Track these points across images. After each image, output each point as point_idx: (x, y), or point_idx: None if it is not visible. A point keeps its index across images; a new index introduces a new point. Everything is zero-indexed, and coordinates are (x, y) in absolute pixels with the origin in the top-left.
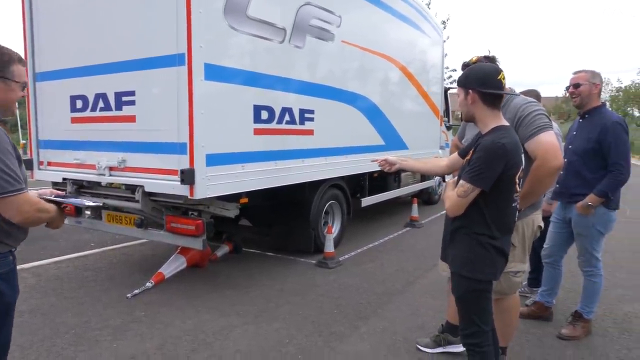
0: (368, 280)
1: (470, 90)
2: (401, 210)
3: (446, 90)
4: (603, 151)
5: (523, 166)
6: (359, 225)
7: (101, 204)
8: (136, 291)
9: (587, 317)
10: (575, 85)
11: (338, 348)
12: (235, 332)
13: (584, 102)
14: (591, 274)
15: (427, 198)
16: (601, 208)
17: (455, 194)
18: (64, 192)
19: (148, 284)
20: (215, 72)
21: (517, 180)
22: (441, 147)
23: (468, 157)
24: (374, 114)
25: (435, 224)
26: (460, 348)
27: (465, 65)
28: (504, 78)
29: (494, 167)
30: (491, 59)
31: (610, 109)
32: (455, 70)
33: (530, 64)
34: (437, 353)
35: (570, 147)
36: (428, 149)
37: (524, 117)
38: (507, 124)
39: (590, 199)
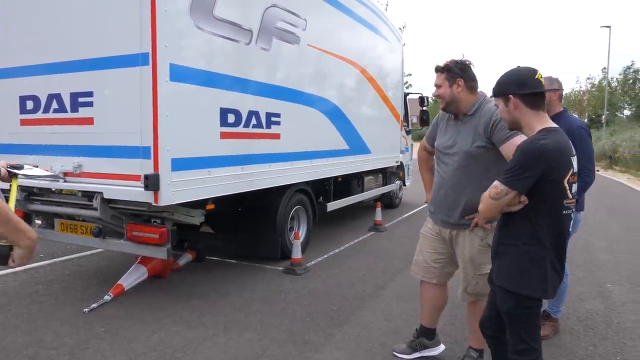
0: (338, 286)
1: (510, 96)
2: (363, 215)
3: (406, 95)
4: None
5: (574, 170)
6: (323, 230)
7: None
8: (94, 305)
9: (555, 317)
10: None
11: (314, 358)
12: (205, 345)
13: (545, 109)
14: None
15: (389, 202)
16: None
17: (487, 196)
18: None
19: (107, 297)
20: (180, 73)
21: (566, 186)
22: (402, 152)
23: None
24: (338, 118)
25: (398, 227)
26: (436, 351)
27: (436, 69)
28: (541, 77)
29: (530, 168)
30: (463, 63)
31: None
32: (411, 75)
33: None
34: (414, 359)
35: None
36: (389, 153)
37: (499, 120)
38: (555, 125)
39: None
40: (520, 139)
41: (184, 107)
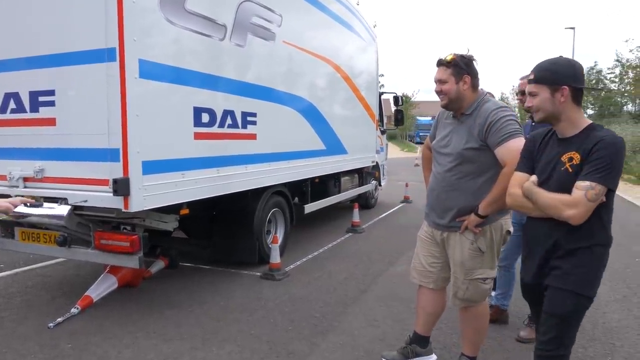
0: (318, 291)
1: (565, 87)
2: (340, 216)
3: (380, 94)
4: None
5: None
6: (300, 232)
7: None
8: (60, 319)
9: (530, 312)
10: (523, 93)
11: None
12: None
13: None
14: None
15: (365, 202)
16: None
17: (584, 198)
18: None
19: (73, 310)
20: (151, 70)
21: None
22: (377, 152)
23: (574, 161)
24: (315, 117)
25: (376, 228)
26: (429, 359)
27: (440, 63)
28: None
29: (621, 163)
30: (469, 59)
31: None
32: (383, 75)
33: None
34: None
35: None
36: (365, 153)
37: (494, 122)
38: None
39: None
40: (516, 142)
41: (155, 106)
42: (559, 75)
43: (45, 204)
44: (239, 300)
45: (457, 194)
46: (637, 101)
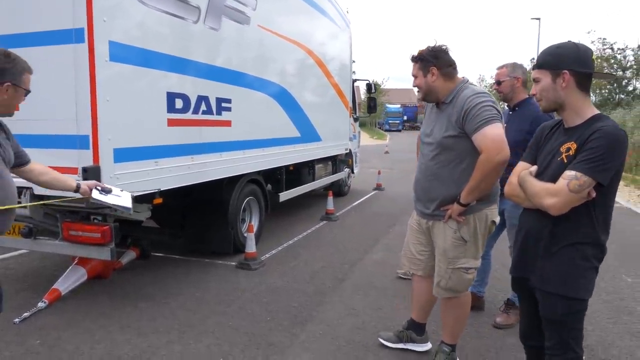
0: (296, 280)
1: (566, 72)
2: (314, 203)
3: (353, 81)
4: None
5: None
6: (274, 220)
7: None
8: (26, 314)
9: (519, 304)
10: (498, 83)
11: None
12: (159, 355)
13: (508, 96)
14: None
15: (338, 190)
16: None
17: (565, 188)
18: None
19: (41, 304)
20: (122, 52)
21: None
22: (350, 139)
23: (571, 151)
24: (290, 104)
25: (349, 216)
26: (421, 347)
27: (411, 59)
28: (595, 59)
29: (617, 157)
30: (436, 50)
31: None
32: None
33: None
34: (397, 349)
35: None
36: (339, 140)
37: (470, 108)
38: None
39: None
40: (492, 128)
41: (127, 91)
42: (560, 59)
43: (114, 190)
44: (215, 292)
45: (438, 183)
46: (598, 91)
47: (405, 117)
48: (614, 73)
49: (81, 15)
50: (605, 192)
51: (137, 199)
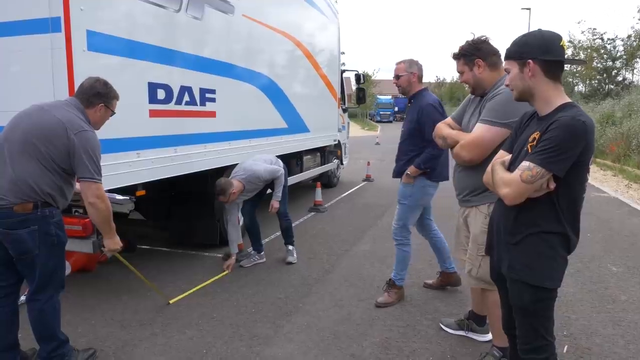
0: (282, 272)
1: (530, 61)
2: (303, 195)
3: (342, 72)
4: (421, 130)
5: (594, 151)
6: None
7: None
8: None
9: (399, 284)
10: (396, 77)
11: (264, 353)
12: (142, 347)
13: (406, 90)
14: (401, 243)
15: (327, 181)
16: (422, 180)
17: (518, 178)
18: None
19: (22, 298)
20: (100, 42)
21: (589, 168)
22: (339, 130)
23: (535, 142)
24: (276, 95)
25: (338, 207)
26: (482, 337)
27: (456, 55)
28: (565, 45)
29: (572, 148)
30: (476, 42)
31: (432, 92)
32: (344, 53)
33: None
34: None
35: (402, 129)
36: (327, 131)
37: (487, 100)
38: (571, 100)
39: (410, 169)
40: (481, 130)
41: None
42: (524, 48)
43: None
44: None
45: (472, 174)
46: (588, 82)
47: (396, 109)
48: (581, 59)
49: (57, 3)
50: (569, 182)
51: (120, 191)
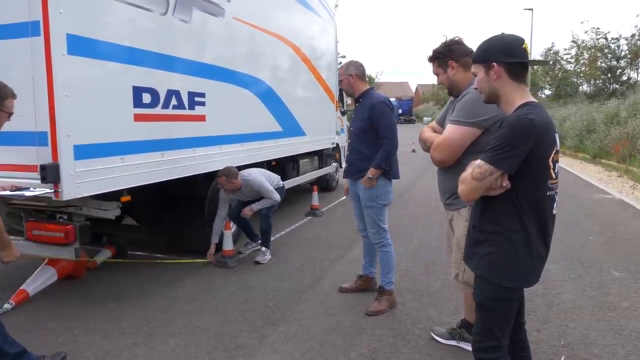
0: (274, 278)
1: (494, 64)
2: (299, 199)
3: None
4: (374, 127)
5: (558, 148)
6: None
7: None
8: None
9: (389, 289)
10: (340, 82)
11: None
12: (122, 358)
13: (350, 91)
14: (382, 244)
15: (325, 185)
16: (381, 180)
17: (469, 176)
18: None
19: (7, 306)
20: (81, 46)
21: (550, 165)
22: (337, 133)
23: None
24: (270, 98)
25: (336, 211)
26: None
27: (430, 58)
28: (527, 48)
29: (517, 146)
30: (449, 43)
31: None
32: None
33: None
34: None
35: (351, 128)
36: (325, 134)
37: (458, 101)
38: (535, 100)
39: (370, 171)
40: (450, 130)
41: (87, 86)
42: (488, 52)
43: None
44: (188, 290)
45: (451, 176)
46: (592, 81)
47: (400, 111)
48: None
49: (36, 7)
50: (525, 179)
51: (104, 197)
